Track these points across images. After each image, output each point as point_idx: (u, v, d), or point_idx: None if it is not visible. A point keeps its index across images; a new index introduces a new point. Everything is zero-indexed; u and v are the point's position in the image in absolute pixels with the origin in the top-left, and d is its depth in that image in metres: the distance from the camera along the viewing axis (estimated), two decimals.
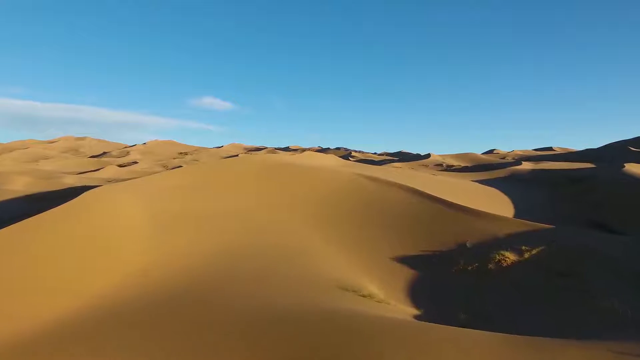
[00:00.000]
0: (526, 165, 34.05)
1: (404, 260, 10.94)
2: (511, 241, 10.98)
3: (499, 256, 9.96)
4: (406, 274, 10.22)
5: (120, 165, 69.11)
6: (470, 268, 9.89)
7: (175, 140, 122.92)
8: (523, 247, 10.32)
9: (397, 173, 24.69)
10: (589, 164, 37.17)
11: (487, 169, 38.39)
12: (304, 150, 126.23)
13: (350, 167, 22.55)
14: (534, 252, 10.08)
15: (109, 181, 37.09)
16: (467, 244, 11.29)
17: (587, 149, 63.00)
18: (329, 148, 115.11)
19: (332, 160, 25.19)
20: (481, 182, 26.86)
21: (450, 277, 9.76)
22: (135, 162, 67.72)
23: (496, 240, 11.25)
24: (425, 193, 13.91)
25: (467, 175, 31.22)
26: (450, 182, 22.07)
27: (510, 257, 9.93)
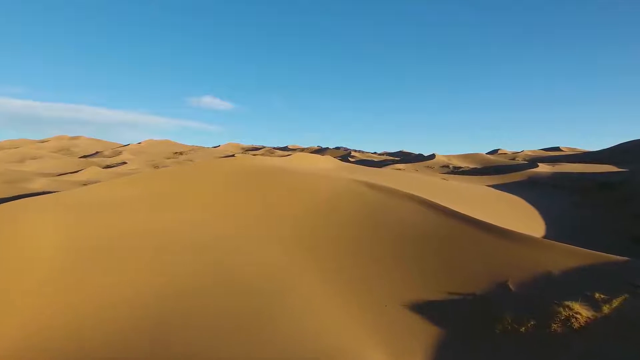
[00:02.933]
0: (543, 168, 30.81)
1: (422, 308, 7.74)
2: (573, 282, 7.77)
3: (565, 311, 6.75)
4: (428, 333, 7.01)
5: (107, 166, 66.10)
6: (522, 329, 6.68)
7: (174, 139, 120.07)
8: (597, 295, 7.12)
9: (401, 177, 21.49)
10: (611, 166, 33.99)
11: (499, 171, 35.20)
12: (302, 149, 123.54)
13: (347, 170, 19.36)
14: (615, 303, 6.87)
15: (85, 184, 33.92)
16: (510, 285, 8.09)
17: (601, 150, 59.90)
18: (327, 148, 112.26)
19: (327, 162, 21.97)
20: (497, 187, 23.66)
21: (495, 342, 6.56)
22: (124, 163, 64.54)
23: (550, 279, 8.04)
24: (445, 208, 10.69)
25: (480, 179, 28.00)
26: (466, 189, 18.80)
27: (583, 312, 6.72)
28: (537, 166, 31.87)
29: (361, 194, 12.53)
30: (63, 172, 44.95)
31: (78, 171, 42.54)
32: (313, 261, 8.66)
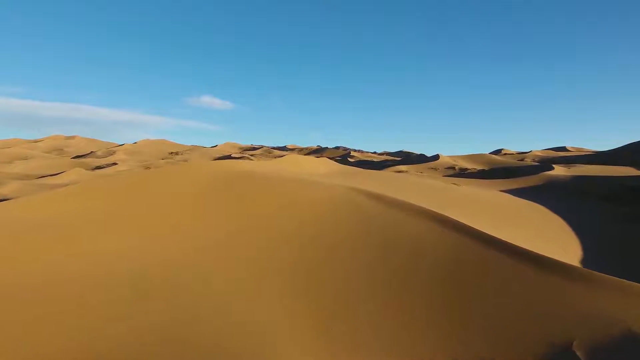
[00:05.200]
0: (560, 170, 28.31)
1: None
2: None
3: None
4: None
5: (98, 167, 63.78)
6: None
7: (173, 139, 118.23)
8: None
9: (408, 183, 19.00)
10: (631, 168, 31.53)
11: (509, 173, 32.73)
12: (301, 149, 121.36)
13: (345, 176, 16.87)
14: None
15: (63, 187, 31.50)
16: (577, 352, 5.61)
17: (609, 150, 57.42)
18: (327, 147, 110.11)
19: (324, 165, 19.47)
20: (513, 192, 21.17)
21: None
22: (115, 164, 62.13)
23: (632, 340, 5.57)
24: (481, 233, 8.17)
25: (492, 182, 25.52)
26: (490, 199, 16.19)
27: None
28: (553, 168, 29.36)
29: (364, 211, 10.04)
30: (45, 174, 42.52)
31: (59, 173, 40.07)
32: (307, 305, 6.16)
